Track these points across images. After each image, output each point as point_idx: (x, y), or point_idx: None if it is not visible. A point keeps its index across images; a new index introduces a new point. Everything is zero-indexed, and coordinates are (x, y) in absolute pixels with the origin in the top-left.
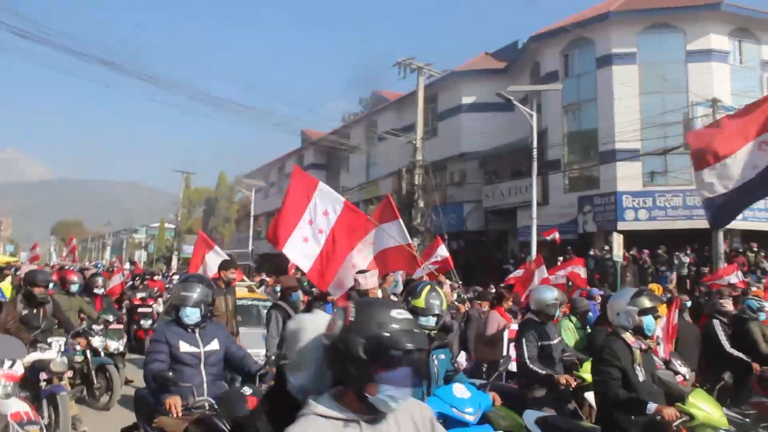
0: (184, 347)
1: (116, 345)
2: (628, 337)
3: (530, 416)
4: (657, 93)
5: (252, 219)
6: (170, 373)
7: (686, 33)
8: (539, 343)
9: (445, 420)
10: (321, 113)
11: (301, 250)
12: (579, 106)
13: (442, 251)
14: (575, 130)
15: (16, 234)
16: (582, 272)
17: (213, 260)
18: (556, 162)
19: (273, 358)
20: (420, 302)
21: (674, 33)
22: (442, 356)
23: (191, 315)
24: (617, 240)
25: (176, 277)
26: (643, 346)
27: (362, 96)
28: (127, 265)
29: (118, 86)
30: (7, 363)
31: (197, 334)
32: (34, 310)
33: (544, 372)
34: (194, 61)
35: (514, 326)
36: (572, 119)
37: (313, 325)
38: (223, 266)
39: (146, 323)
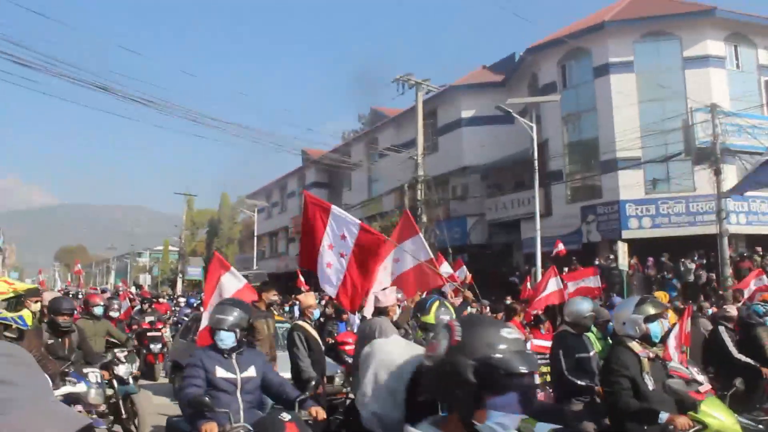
0: (221, 373)
1: (132, 369)
2: (635, 346)
3: (542, 429)
4: (656, 100)
5: (255, 239)
6: (206, 398)
7: (682, 40)
8: (576, 356)
9: None
10: (321, 132)
11: (326, 275)
12: (578, 117)
13: (446, 269)
14: (575, 141)
15: (20, 260)
16: (592, 282)
17: (229, 282)
18: (557, 173)
19: (313, 383)
20: (430, 318)
21: (670, 40)
22: None
23: (226, 339)
24: (622, 249)
25: (182, 299)
26: (651, 355)
27: (361, 113)
28: (133, 289)
29: (118, 111)
30: None
31: (234, 360)
32: (59, 339)
33: (583, 383)
34: (194, 85)
35: (538, 341)
36: (572, 130)
37: (387, 348)
38: (264, 288)
39: (156, 347)
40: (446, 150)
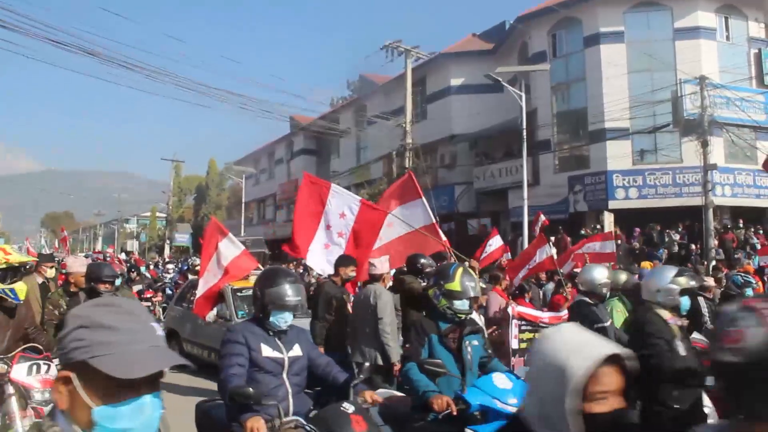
0: (267, 351)
1: None
2: (665, 313)
3: None
4: (645, 71)
5: (243, 206)
6: (251, 390)
7: (673, 10)
8: (594, 326)
9: (488, 413)
10: (310, 99)
11: (324, 256)
12: (567, 86)
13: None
14: (564, 110)
15: (6, 227)
16: (598, 247)
17: (227, 248)
18: (545, 142)
19: (367, 365)
20: (455, 285)
21: (661, 11)
22: (476, 342)
23: (289, 320)
24: (608, 219)
25: (170, 266)
26: (679, 322)
27: (350, 80)
28: (122, 255)
29: (104, 76)
30: (43, 367)
31: (278, 339)
32: None
33: None
34: (183, 50)
35: (521, 308)
36: (561, 99)
37: (564, 337)
38: (341, 262)
39: None
40: (435, 118)
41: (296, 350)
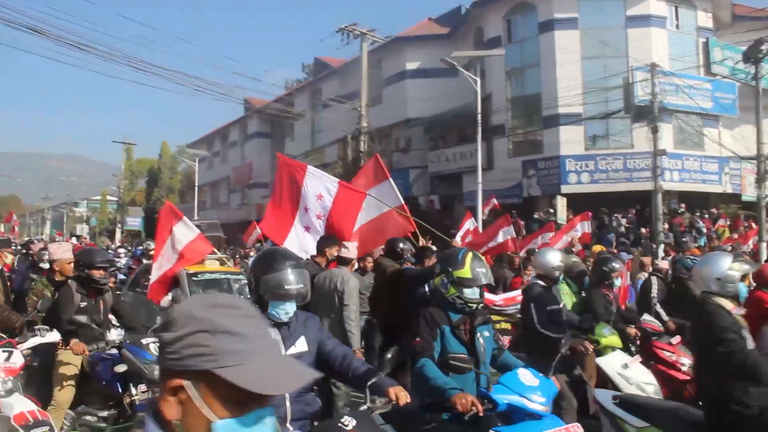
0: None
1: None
2: (727, 303)
3: (605, 396)
4: (598, 58)
5: (197, 189)
6: None
7: None
8: (547, 308)
9: (513, 412)
10: (264, 81)
11: (304, 240)
12: (522, 72)
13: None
14: (519, 95)
15: None
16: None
17: (182, 232)
18: (500, 127)
19: (389, 356)
20: (465, 272)
21: None
22: (487, 333)
23: (290, 310)
24: (561, 203)
25: (122, 250)
26: (741, 311)
27: (305, 62)
28: (73, 240)
29: (52, 55)
30: (2, 355)
31: (277, 332)
32: (93, 301)
33: (556, 336)
34: (137, 31)
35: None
36: (516, 84)
37: None
38: (327, 243)
39: None
40: (390, 102)
41: (300, 345)
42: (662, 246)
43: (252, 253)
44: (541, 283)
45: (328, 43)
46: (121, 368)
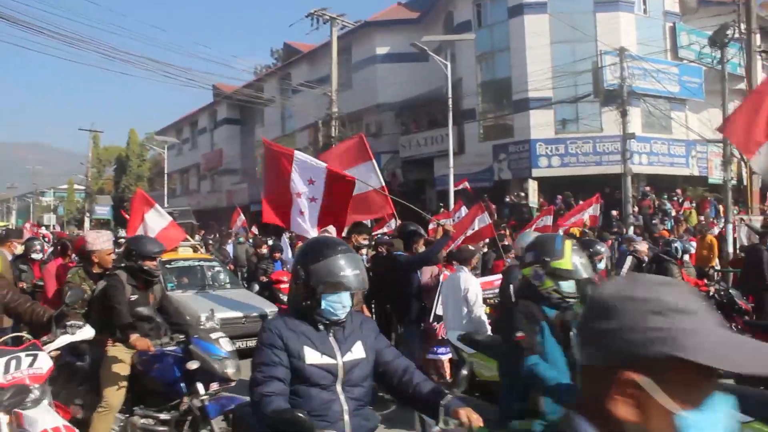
0: (312, 356)
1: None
2: None
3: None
4: (567, 42)
5: (166, 177)
6: (300, 415)
7: None
8: None
9: None
10: (234, 66)
11: (301, 225)
12: (492, 56)
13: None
14: (489, 80)
15: None
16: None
17: (154, 220)
18: (471, 111)
19: (464, 373)
20: (565, 263)
21: None
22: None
23: (347, 303)
24: (532, 186)
25: None
26: None
27: (274, 48)
28: (43, 230)
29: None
30: (25, 359)
31: (331, 335)
32: (144, 293)
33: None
34: (103, 16)
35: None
36: (486, 69)
37: None
38: (356, 230)
39: None
40: (360, 87)
41: (356, 351)
42: (632, 228)
43: (232, 240)
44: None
45: (297, 28)
46: (193, 365)
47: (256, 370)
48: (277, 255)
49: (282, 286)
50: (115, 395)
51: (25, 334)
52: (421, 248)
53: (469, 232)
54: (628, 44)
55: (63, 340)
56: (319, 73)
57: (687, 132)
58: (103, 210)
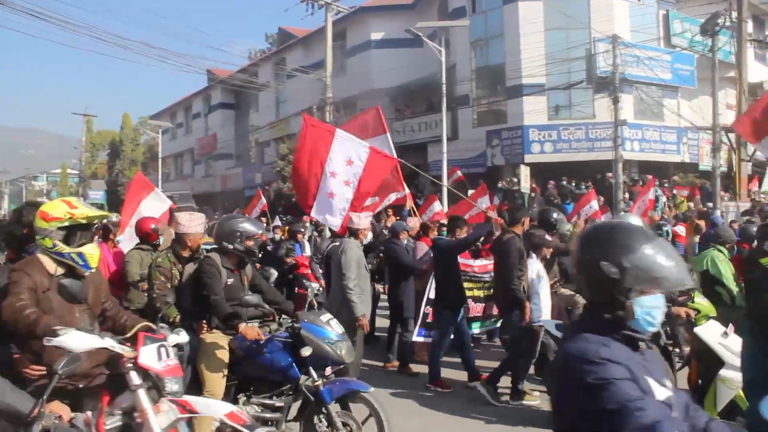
0: (660, 392)
1: None
2: None
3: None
4: (561, 29)
5: (160, 161)
6: None
7: None
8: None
9: None
10: (228, 51)
11: (328, 207)
12: (486, 42)
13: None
14: (483, 66)
15: None
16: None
17: (152, 205)
18: (464, 97)
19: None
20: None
21: None
22: None
23: (664, 309)
24: (524, 172)
25: None
26: None
27: (269, 33)
28: None
29: (7, 24)
30: (162, 352)
31: (646, 357)
32: (238, 275)
33: None
34: (99, 2)
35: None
36: (480, 55)
37: None
38: (457, 224)
39: None
40: (355, 72)
41: (668, 383)
42: (622, 214)
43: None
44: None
45: (292, 13)
46: (306, 352)
47: (629, 409)
48: (300, 236)
49: (307, 271)
50: (217, 383)
51: (152, 325)
52: (464, 233)
53: (473, 212)
54: (622, 31)
55: (172, 339)
56: (313, 59)
57: (679, 119)
58: (97, 194)
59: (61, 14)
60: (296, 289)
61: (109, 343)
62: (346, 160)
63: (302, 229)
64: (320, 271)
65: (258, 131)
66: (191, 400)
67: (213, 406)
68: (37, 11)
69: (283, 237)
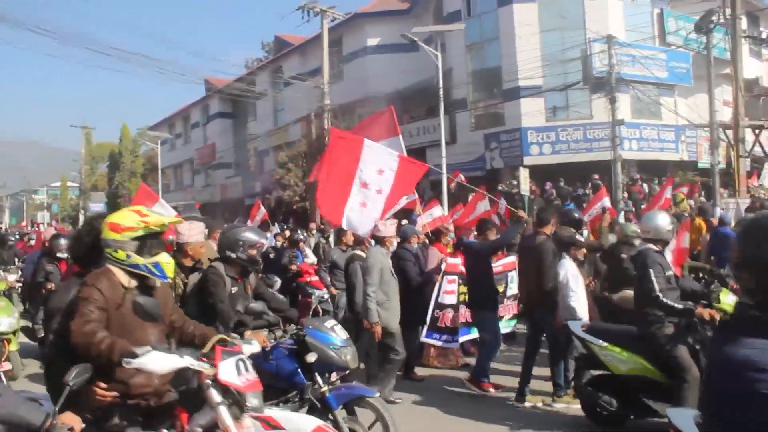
0: None
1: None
2: None
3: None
4: (556, 30)
5: (160, 172)
6: None
7: None
8: (666, 274)
9: None
10: (225, 60)
11: (359, 217)
12: (482, 45)
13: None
14: (479, 69)
15: None
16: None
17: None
18: (461, 101)
19: None
20: None
21: None
22: None
23: None
24: (524, 174)
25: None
26: None
27: (265, 41)
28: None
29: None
30: (241, 365)
31: None
32: (242, 284)
33: (681, 307)
34: (93, 12)
35: (452, 260)
36: (476, 58)
37: None
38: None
39: None
40: (352, 78)
41: None
42: (622, 214)
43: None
44: (655, 248)
45: (288, 21)
46: (311, 358)
47: None
48: (302, 244)
49: (311, 279)
50: None
51: (227, 338)
52: (494, 236)
53: (473, 215)
54: (617, 31)
55: (247, 350)
56: (310, 66)
57: (676, 117)
58: (98, 206)
59: (55, 26)
60: (299, 296)
61: (189, 362)
62: (377, 169)
63: (303, 237)
64: (328, 278)
65: (256, 140)
66: (275, 415)
67: (298, 421)
68: (32, 24)
69: (284, 244)
